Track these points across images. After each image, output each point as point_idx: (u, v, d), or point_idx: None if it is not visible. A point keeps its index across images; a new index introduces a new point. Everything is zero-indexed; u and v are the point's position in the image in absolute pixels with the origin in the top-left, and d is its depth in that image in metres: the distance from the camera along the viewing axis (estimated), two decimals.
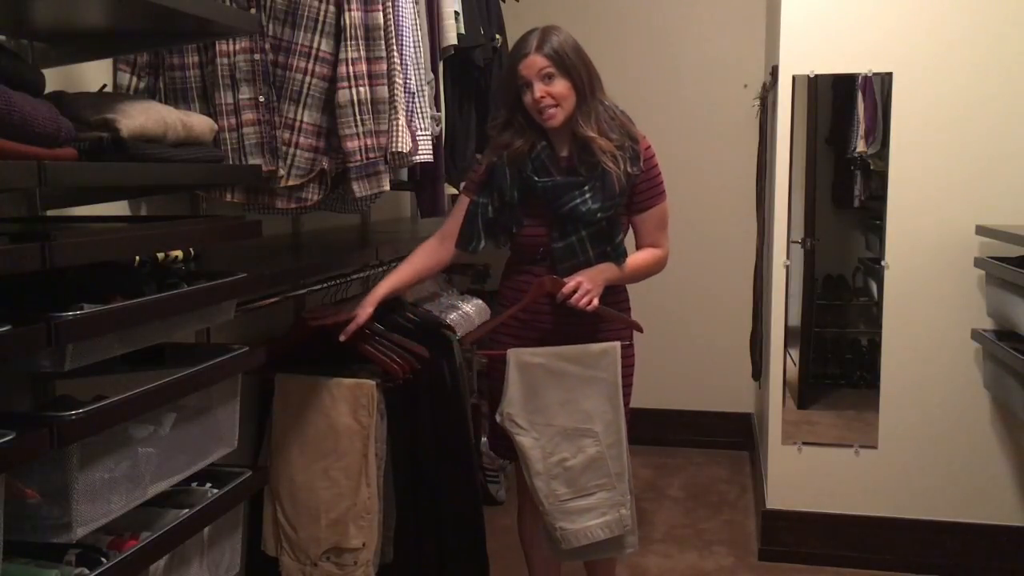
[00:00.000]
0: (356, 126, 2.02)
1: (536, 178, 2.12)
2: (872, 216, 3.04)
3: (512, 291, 2.25)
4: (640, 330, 2.22)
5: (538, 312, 2.19)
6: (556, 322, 2.17)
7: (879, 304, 2.92)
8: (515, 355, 2.15)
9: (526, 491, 2.26)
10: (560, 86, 2.08)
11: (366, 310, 2.13)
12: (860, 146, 2.99)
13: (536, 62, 2.07)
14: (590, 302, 2.07)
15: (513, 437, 2.15)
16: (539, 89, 2.07)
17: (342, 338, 2.12)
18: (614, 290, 2.21)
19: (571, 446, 2.13)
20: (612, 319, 2.19)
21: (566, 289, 2.07)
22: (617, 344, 2.15)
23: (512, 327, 2.23)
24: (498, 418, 2.17)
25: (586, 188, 2.10)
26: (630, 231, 2.25)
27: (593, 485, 2.13)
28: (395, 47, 2.08)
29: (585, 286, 2.07)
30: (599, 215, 2.10)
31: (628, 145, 2.13)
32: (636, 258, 2.21)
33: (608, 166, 2.09)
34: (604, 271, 2.13)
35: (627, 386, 2.25)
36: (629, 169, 2.11)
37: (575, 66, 2.08)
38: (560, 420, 2.13)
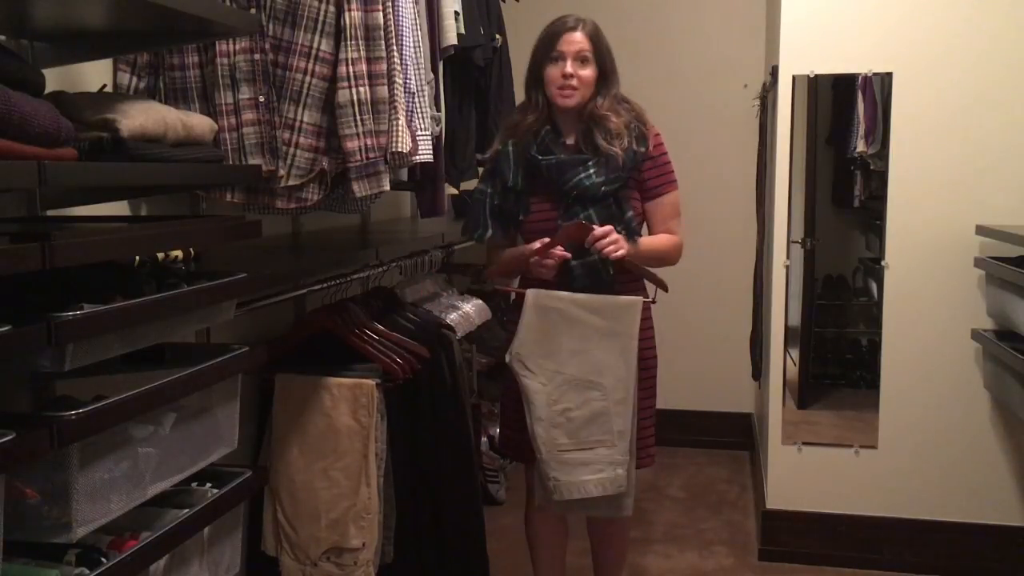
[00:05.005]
0: (356, 126, 2.02)
1: (540, 157, 2.16)
2: (872, 216, 3.04)
3: (529, 283, 2.21)
4: (665, 288, 2.20)
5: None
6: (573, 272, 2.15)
7: (879, 304, 2.92)
8: (534, 296, 2.12)
9: (533, 487, 2.25)
10: (588, 71, 2.16)
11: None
12: (860, 146, 2.99)
13: (577, 40, 2.15)
14: (616, 250, 2.07)
15: (519, 379, 2.13)
16: (571, 65, 2.13)
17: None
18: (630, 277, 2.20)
19: (577, 397, 2.10)
20: (636, 272, 2.17)
21: (597, 231, 2.07)
22: (640, 300, 2.13)
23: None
24: (507, 358, 2.14)
25: (590, 164, 2.14)
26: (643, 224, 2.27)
27: (594, 440, 2.09)
28: (395, 47, 2.08)
29: (614, 235, 2.08)
30: (604, 188, 2.13)
31: (635, 125, 2.19)
32: (650, 239, 2.24)
33: (612, 150, 2.13)
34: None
35: (650, 357, 2.26)
36: (635, 147, 2.16)
37: (605, 55, 2.18)
38: (570, 369, 2.10)
